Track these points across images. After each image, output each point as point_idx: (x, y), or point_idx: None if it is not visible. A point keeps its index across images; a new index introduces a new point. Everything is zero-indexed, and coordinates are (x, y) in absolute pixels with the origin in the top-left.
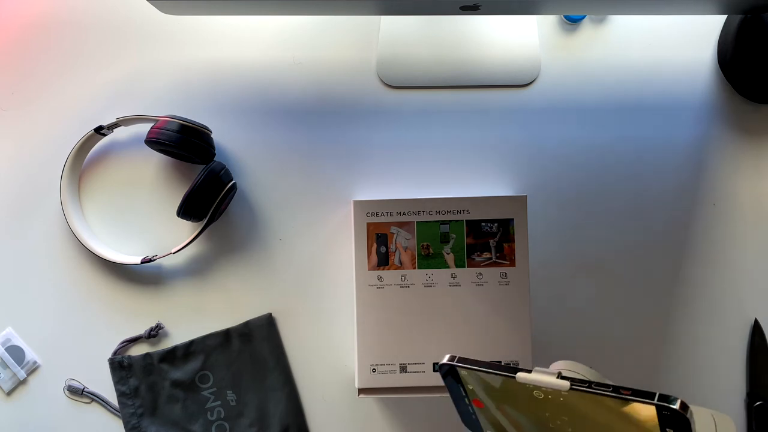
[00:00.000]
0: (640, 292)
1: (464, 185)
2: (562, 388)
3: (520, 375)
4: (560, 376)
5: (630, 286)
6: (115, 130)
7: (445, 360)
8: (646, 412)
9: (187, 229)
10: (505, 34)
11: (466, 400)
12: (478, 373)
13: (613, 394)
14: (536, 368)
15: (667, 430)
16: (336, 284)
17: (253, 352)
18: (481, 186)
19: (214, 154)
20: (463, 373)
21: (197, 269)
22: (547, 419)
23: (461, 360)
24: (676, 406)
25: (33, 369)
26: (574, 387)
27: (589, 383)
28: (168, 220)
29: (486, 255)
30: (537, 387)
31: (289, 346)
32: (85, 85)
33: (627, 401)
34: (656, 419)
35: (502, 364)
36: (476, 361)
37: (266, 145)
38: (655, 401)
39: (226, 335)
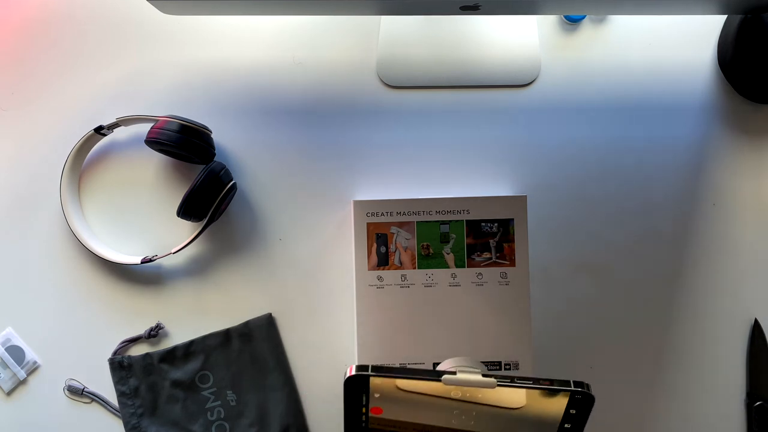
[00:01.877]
0: (641, 292)
1: (464, 185)
2: (489, 386)
3: (447, 378)
4: (484, 374)
5: (630, 286)
6: (115, 130)
7: (353, 372)
8: (554, 398)
9: (187, 229)
10: (505, 34)
11: (364, 409)
12: (395, 379)
13: (536, 386)
14: (459, 369)
15: (571, 410)
16: (336, 284)
17: (253, 352)
18: (481, 186)
19: (214, 154)
20: (376, 381)
21: (197, 269)
22: (454, 415)
23: (376, 369)
24: (589, 390)
25: (33, 369)
26: (500, 384)
27: (512, 378)
28: (168, 220)
29: (486, 255)
30: (458, 387)
31: (289, 346)
32: (85, 85)
33: (546, 390)
34: (565, 403)
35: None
36: (393, 368)
37: (266, 145)
38: (572, 388)
39: (226, 335)
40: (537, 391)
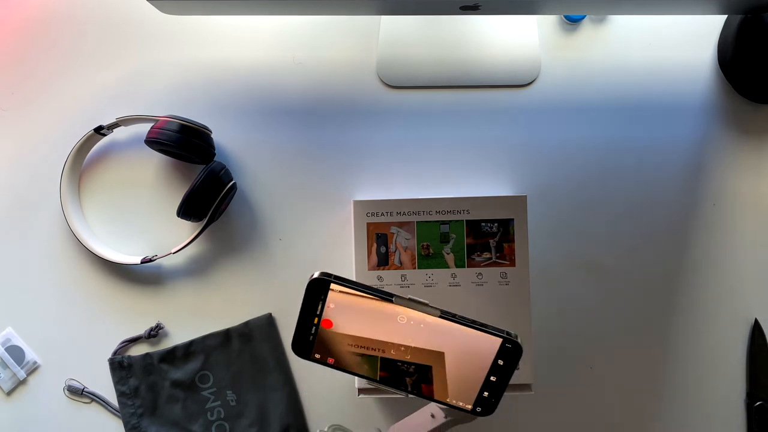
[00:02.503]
0: (640, 292)
1: (464, 185)
2: (433, 314)
3: (397, 297)
4: (430, 304)
5: (630, 286)
6: (115, 130)
7: (318, 275)
8: (488, 344)
9: (187, 229)
10: (505, 34)
11: (317, 319)
12: (353, 292)
13: (471, 325)
14: (410, 296)
15: (499, 361)
16: None
17: (253, 352)
18: (481, 186)
19: (214, 154)
20: (335, 289)
21: (197, 269)
22: (392, 345)
23: (339, 278)
24: (518, 340)
25: (33, 369)
26: (443, 315)
27: (454, 314)
28: (168, 220)
29: (486, 255)
30: (404, 312)
31: (289, 346)
32: (85, 85)
33: (482, 332)
34: (496, 351)
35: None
36: (353, 281)
37: (266, 145)
38: (504, 335)
39: (226, 335)
40: (474, 338)
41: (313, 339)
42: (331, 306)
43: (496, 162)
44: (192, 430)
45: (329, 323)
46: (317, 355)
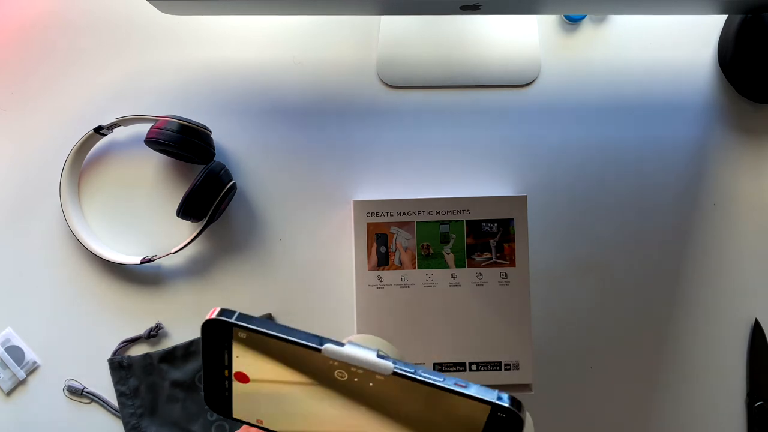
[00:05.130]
0: (640, 292)
1: (464, 185)
2: (383, 372)
3: (329, 347)
4: (380, 355)
5: (630, 286)
6: (114, 130)
7: (215, 314)
8: (470, 414)
9: (187, 229)
10: (505, 34)
11: (227, 371)
12: (265, 338)
13: (445, 387)
14: (348, 341)
15: None
16: (336, 284)
17: None
18: (481, 186)
19: (214, 154)
20: (240, 335)
21: (197, 269)
22: (344, 406)
23: (242, 317)
24: (515, 408)
25: (33, 369)
26: (397, 372)
27: (415, 369)
28: (168, 220)
29: (486, 255)
30: (343, 367)
31: None
32: (85, 85)
33: (458, 395)
34: (482, 425)
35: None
36: (264, 326)
37: (266, 145)
38: (492, 401)
39: None
40: (449, 404)
41: (229, 395)
42: (238, 357)
43: (496, 162)
44: (192, 430)
45: (245, 377)
46: (240, 415)
